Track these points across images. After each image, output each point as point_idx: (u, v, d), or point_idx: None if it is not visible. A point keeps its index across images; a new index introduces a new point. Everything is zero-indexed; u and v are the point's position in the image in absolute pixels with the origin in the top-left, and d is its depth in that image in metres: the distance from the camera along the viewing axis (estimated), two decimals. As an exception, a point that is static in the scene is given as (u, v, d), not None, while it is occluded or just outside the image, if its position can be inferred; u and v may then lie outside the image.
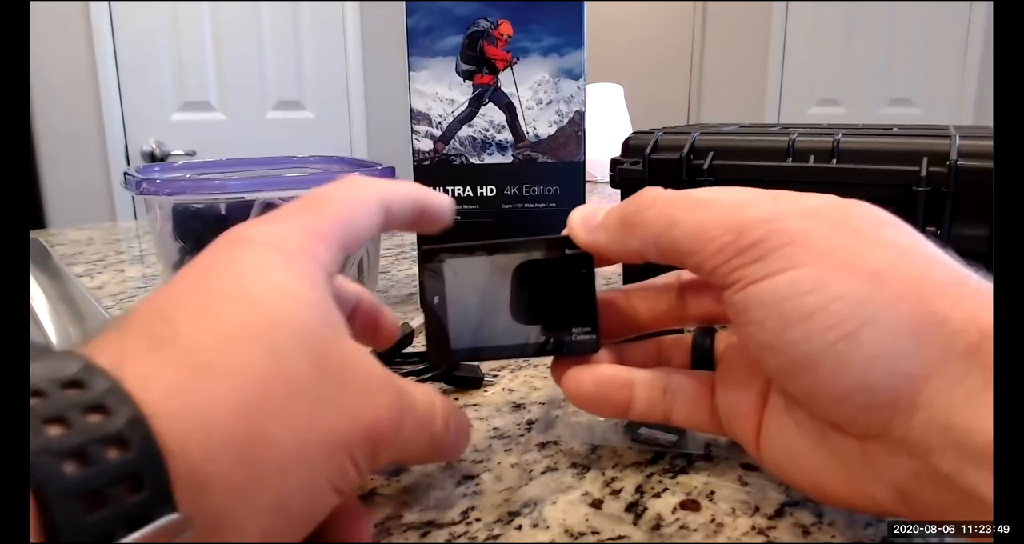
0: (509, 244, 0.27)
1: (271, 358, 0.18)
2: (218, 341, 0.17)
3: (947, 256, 0.22)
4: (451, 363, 0.25)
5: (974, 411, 0.18)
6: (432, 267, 0.27)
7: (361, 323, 0.27)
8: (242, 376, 0.17)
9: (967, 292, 0.20)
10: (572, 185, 0.51)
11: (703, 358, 0.28)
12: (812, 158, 0.43)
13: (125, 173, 0.48)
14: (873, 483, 0.21)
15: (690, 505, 0.25)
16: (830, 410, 0.21)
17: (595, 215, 0.26)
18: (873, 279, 0.20)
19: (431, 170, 0.50)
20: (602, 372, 0.27)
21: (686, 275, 0.28)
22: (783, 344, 0.21)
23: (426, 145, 0.50)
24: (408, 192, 0.26)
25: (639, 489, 0.27)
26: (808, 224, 0.22)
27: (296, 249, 0.21)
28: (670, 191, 0.24)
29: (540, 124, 0.50)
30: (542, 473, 0.28)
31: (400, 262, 0.68)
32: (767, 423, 0.24)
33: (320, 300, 0.20)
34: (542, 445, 0.30)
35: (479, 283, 0.27)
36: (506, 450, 0.30)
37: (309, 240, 0.21)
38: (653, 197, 0.24)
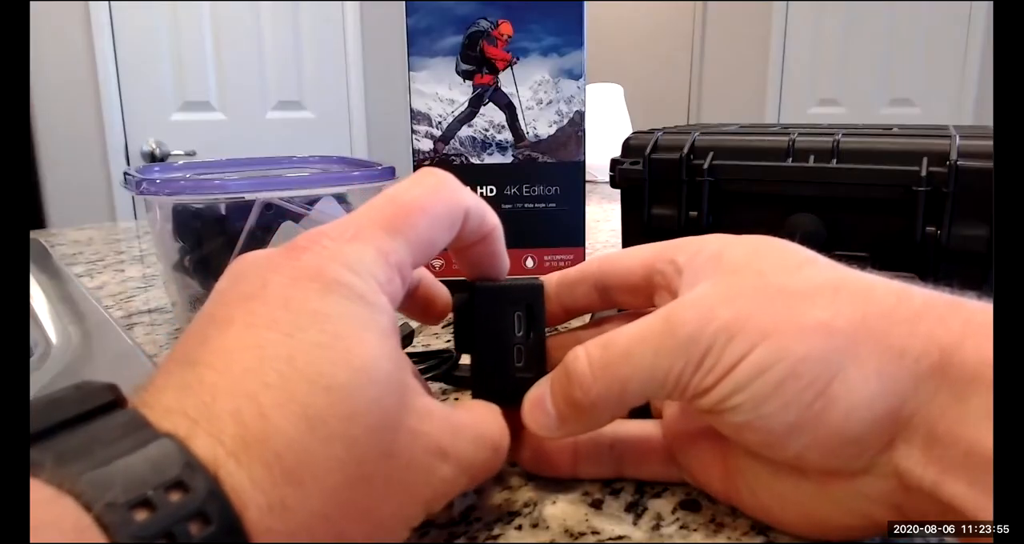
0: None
1: (348, 453, 0.17)
2: (303, 437, 0.17)
3: (875, 275, 0.22)
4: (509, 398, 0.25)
5: (949, 424, 0.19)
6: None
7: (418, 301, 0.27)
8: (325, 480, 0.17)
9: (914, 311, 0.20)
10: (572, 185, 0.51)
11: (639, 407, 0.28)
12: (812, 158, 0.43)
13: (125, 173, 0.48)
14: (865, 503, 0.21)
15: (690, 505, 0.25)
16: (821, 465, 0.21)
17: (544, 408, 0.24)
18: (824, 331, 0.20)
19: (431, 170, 0.50)
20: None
21: (606, 272, 0.27)
22: (760, 420, 0.20)
23: (426, 145, 0.50)
24: (492, 218, 0.25)
25: (639, 489, 0.27)
26: (738, 308, 0.21)
27: (375, 292, 0.20)
28: (593, 350, 0.23)
29: (540, 124, 0.50)
30: (542, 473, 0.28)
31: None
32: (736, 468, 0.24)
33: (396, 372, 0.19)
34: (542, 445, 0.30)
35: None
36: (506, 450, 0.30)
37: (388, 272, 0.20)
38: (585, 369, 0.22)
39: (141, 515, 0.14)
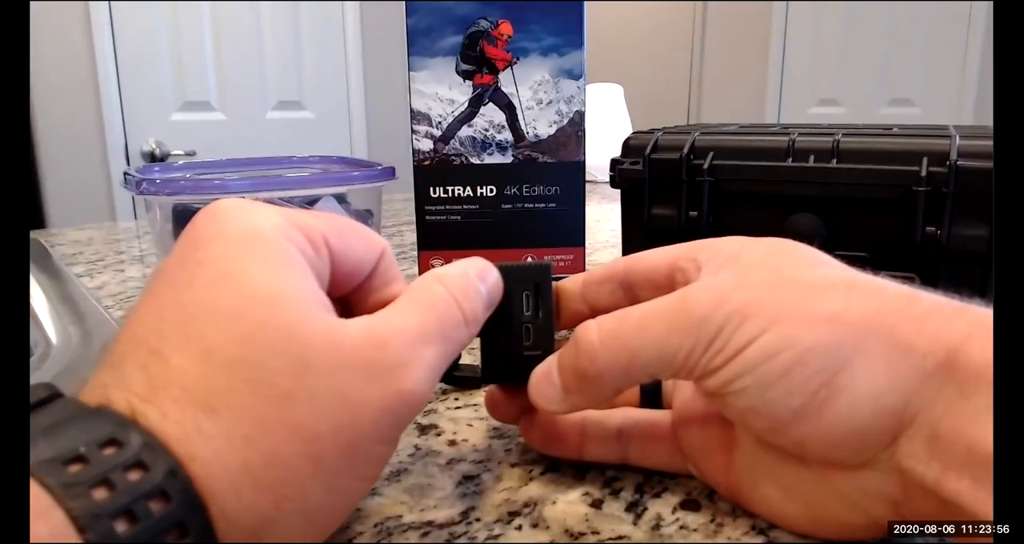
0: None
1: (253, 373, 0.18)
2: (204, 369, 0.18)
3: (886, 279, 0.22)
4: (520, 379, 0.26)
5: (953, 421, 0.19)
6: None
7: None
8: (236, 403, 0.17)
9: (923, 312, 0.21)
10: (572, 185, 0.51)
11: (652, 396, 0.29)
12: (812, 158, 0.43)
13: (125, 173, 0.48)
14: (865, 498, 0.21)
15: (690, 505, 0.25)
16: (823, 455, 0.21)
17: (550, 381, 0.24)
18: (833, 324, 0.20)
19: (431, 170, 0.50)
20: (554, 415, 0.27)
21: (632, 270, 0.27)
22: (766, 405, 0.21)
23: (426, 145, 0.50)
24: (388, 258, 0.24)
25: (639, 489, 0.27)
26: (752, 294, 0.22)
27: (266, 228, 0.20)
28: (605, 321, 0.23)
29: (540, 124, 0.50)
30: (542, 473, 0.28)
31: (400, 263, 0.67)
32: (740, 459, 0.24)
33: (290, 288, 0.19)
34: (542, 445, 0.30)
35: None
36: (506, 450, 0.30)
37: (285, 223, 0.21)
38: (594, 338, 0.23)
39: (77, 467, 0.15)
